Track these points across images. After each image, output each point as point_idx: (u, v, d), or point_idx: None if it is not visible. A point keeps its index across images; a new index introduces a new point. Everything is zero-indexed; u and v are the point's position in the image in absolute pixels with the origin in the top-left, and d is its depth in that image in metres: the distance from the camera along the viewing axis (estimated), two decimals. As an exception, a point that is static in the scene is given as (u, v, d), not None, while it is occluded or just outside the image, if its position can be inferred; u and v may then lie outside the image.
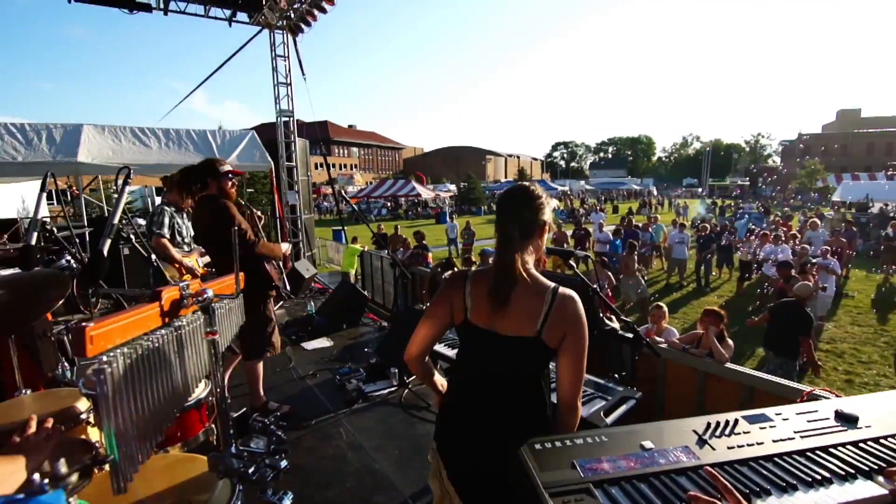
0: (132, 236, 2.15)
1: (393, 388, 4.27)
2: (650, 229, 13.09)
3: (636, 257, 9.15)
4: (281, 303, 7.38)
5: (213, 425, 2.31)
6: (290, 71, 9.13)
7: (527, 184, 1.57)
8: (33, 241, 2.48)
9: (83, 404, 1.88)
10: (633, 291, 8.69)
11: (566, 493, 1.05)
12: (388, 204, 37.28)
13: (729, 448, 1.21)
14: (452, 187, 44.99)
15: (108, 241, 1.65)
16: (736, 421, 1.32)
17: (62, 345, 3.75)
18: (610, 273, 8.09)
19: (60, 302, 2.24)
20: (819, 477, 1.11)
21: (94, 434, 1.86)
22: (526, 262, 1.45)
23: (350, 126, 75.43)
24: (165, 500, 1.40)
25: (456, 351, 2.94)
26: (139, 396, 1.14)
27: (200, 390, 2.24)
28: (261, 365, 3.64)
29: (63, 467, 0.92)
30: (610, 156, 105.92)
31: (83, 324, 1.06)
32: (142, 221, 8.27)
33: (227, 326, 1.62)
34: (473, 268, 6.61)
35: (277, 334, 3.62)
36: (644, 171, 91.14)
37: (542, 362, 1.52)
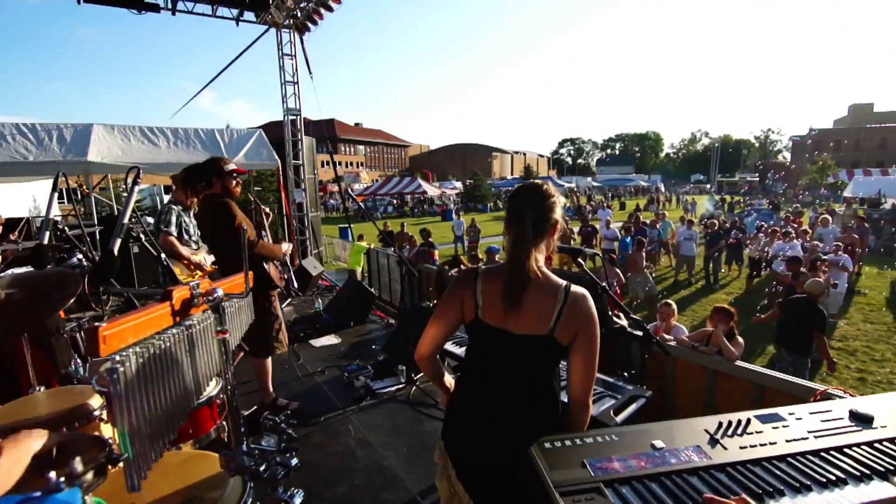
0: (142, 235, 2.17)
1: (401, 386, 4.28)
2: (658, 226, 13.01)
3: (644, 254, 9.10)
4: (289, 300, 7.42)
5: (224, 422, 2.33)
6: (296, 69, 9.17)
7: (539, 182, 1.56)
8: (46, 241, 2.51)
9: (96, 401, 1.90)
10: (641, 288, 8.65)
11: (577, 493, 1.05)
12: (395, 201, 37.33)
13: (741, 448, 1.21)
14: (458, 184, 44.95)
15: (119, 241, 1.66)
16: (748, 420, 1.31)
17: (75, 342, 3.80)
18: (618, 270, 8.05)
19: (72, 300, 2.27)
20: (833, 478, 1.10)
21: (106, 431, 1.88)
22: (538, 260, 1.45)
23: (356, 124, 75.50)
24: (178, 497, 1.41)
25: (464, 349, 2.94)
26: (152, 395, 1.15)
27: (211, 388, 2.26)
28: (269, 362, 3.66)
29: (78, 466, 0.93)
30: (617, 152, 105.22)
31: (96, 324, 1.07)
32: (151, 220, 8.35)
33: (236, 325, 1.64)
34: (481, 265, 6.59)
35: (285, 331, 3.64)
36: (652, 167, 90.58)
37: (554, 360, 1.52)
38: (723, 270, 11.71)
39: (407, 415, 3.85)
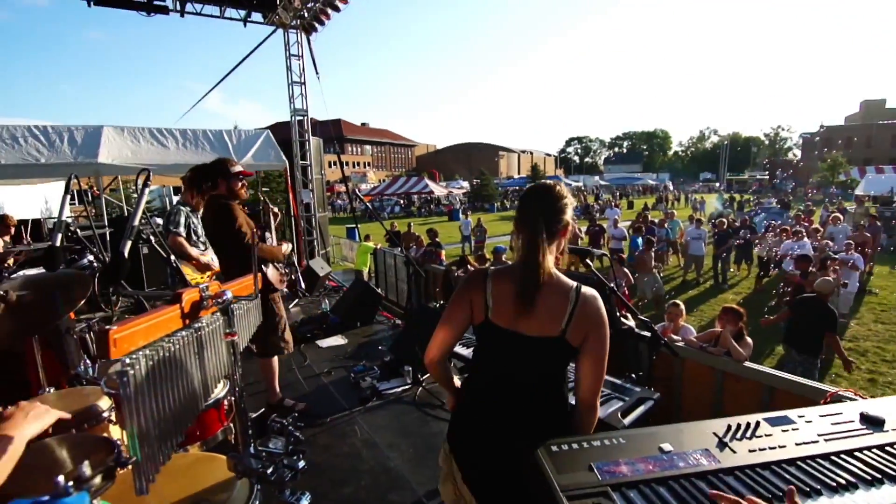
0: (151, 237, 2.19)
1: (407, 387, 4.29)
2: (666, 225, 12.92)
3: (653, 254, 9.05)
4: (296, 301, 7.46)
5: (231, 424, 2.35)
6: (303, 70, 9.20)
7: (551, 183, 1.55)
8: (58, 243, 2.54)
9: (105, 403, 1.92)
10: (649, 288, 8.60)
11: (584, 497, 1.04)
12: (401, 201, 37.39)
13: (750, 451, 1.19)
14: (465, 184, 44.93)
15: (129, 243, 1.68)
16: (757, 423, 1.30)
17: (84, 342, 3.84)
18: (627, 271, 7.99)
19: (83, 301, 2.29)
20: (844, 482, 1.09)
21: (115, 432, 1.90)
22: (550, 261, 1.45)
23: (363, 124, 75.72)
24: (185, 500, 1.42)
25: (471, 350, 2.94)
26: (161, 397, 1.16)
27: (219, 390, 2.27)
28: (275, 362, 3.68)
29: (87, 469, 0.94)
30: (625, 150, 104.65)
31: (107, 327, 1.08)
32: (160, 221, 8.41)
33: (244, 327, 1.65)
34: (487, 265, 6.58)
35: (289, 332, 3.65)
36: (660, 165, 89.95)
37: (564, 362, 1.51)
38: (732, 270, 11.61)
39: (413, 416, 3.86)
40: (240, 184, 3.32)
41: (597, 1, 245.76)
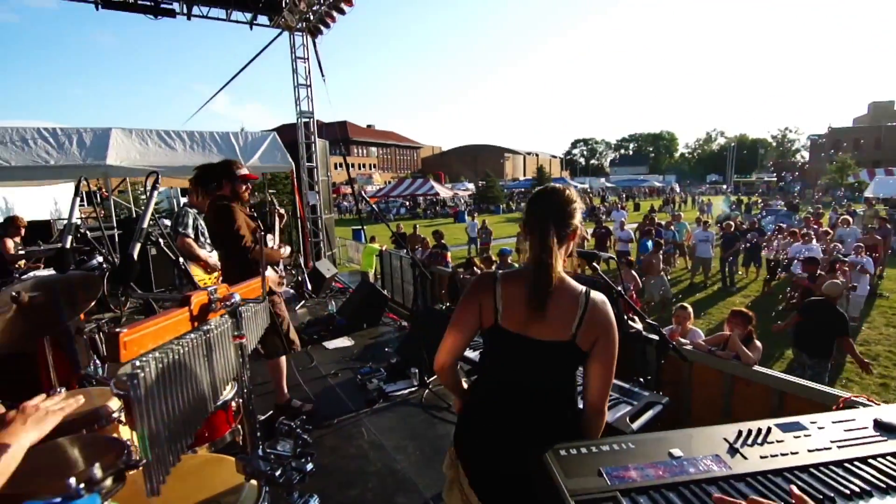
0: (160, 239, 2.20)
1: (413, 388, 4.29)
2: (672, 227, 12.86)
3: (662, 256, 9.00)
4: (302, 302, 7.49)
5: (239, 426, 2.36)
6: (309, 72, 9.26)
7: (561, 187, 1.54)
8: (68, 245, 2.56)
9: (115, 403, 1.93)
10: (657, 291, 8.56)
11: (593, 502, 1.04)
12: (407, 203, 37.45)
13: (762, 457, 1.18)
14: (471, 186, 44.93)
15: (138, 245, 1.69)
16: (769, 429, 1.28)
17: (94, 343, 3.88)
18: (635, 274, 7.94)
19: (93, 303, 2.32)
20: (857, 489, 1.07)
21: (124, 433, 1.91)
22: (560, 266, 1.45)
23: (369, 126, 75.92)
24: (194, 501, 1.43)
25: (477, 353, 2.93)
26: (170, 399, 1.17)
27: (227, 391, 2.28)
28: (283, 362, 3.69)
29: (98, 472, 0.95)
30: (631, 152, 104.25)
31: (117, 330, 1.09)
32: (168, 222, 8.48)
33: (253, 329, 1.65)
34: (494, 267, 6.55)
35: (294, 331, 3.66)
36: (666, 167, 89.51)
37: (574, 366, 1.51)
38: (739, 273, 11.53)
39: (420, 418, 3.85)
40: (244, 186, 3.35)
41: (601, 1, 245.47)
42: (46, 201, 10.22)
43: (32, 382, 2.51)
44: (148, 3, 7.57)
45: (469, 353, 3.12)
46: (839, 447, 1.21)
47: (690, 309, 4.66)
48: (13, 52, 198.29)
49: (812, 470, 1.14)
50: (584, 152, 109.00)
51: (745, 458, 1.18)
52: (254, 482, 1.57)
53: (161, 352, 1.14)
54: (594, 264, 2.10)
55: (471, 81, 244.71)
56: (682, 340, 4.13)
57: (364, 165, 67.74)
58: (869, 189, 23.76)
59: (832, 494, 1.06)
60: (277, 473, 1.54)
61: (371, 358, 5.12)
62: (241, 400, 1.68)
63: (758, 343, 3.75)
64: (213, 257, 4.11)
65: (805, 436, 1.26)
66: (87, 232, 3.43)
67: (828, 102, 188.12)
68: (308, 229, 9.64)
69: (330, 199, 10.54)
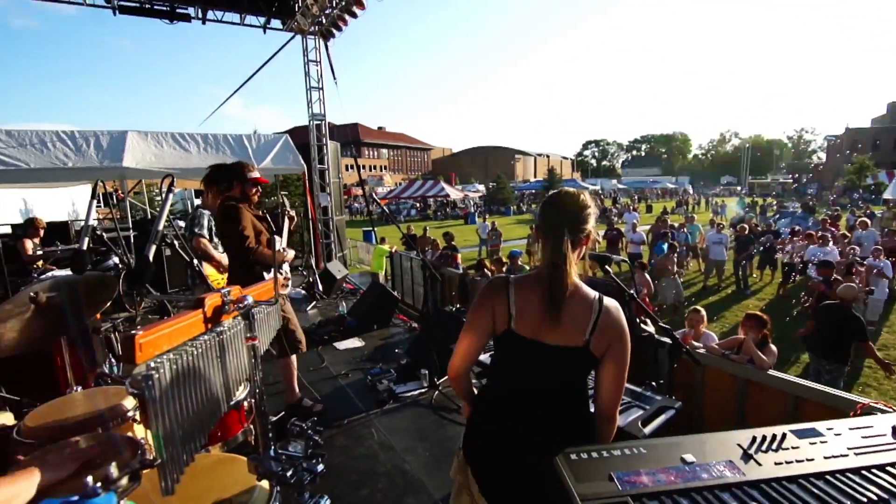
0: (175, 241, 2.23)
1: (423, 390, 4.29)
2: (685, 229, 12.72)
3: (676, 258, 8.91)
4: (313, 303, 7.54)
5: (251, 426, 2.38)
6: (321, 75, 9.33)
7: (574, 191, 1.52)
8: (85, 246, 2.61)
9: (130, 402, 1.96)
10: (669, 293, 8.48)
11: (604, 507, 1.03)
12: (417, 204, 37.52)
13: (776, 464, 1.16)
14: (481, 187, 44.89)
15: (154, 247, 1.72)
16: (784, 435, 1.26)
17: (109, 342, 3.94)
18: (648, 277, 7.87)
19: (108, 303, 2.36)
20: (875, 497, 1.05)
21: (139, 431, 1.94)
22: (575, 271, 1.44)
23: (379, 128, 76.27)
24: (207, 500, 1.45)
25: (488, 355, 2.93)
26: (184, 400, 1.19)
27: (240, 392, 2.31)
28: (293, 362, 3.72)
29: (114, 471, 0.97)
30: (643, 154, 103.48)
31: (133, 332, 1.11)
32: (182, 223, 8.61)
33: (265, 331, 1.67)
34: (504, 269, 6.51)
35: (300, 331, 3.69)
36: (679, 169, 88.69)
37: (587, 371, 1.50)
38: (754, 276, 11.37)
39: (430, 419, 3.86)
40: (254, 189, 3.39)
41: (616, 1, 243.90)
42: (64, 202, 10.42)
43: (50, 381, 2.56)
44: (164, 9, 7.70)
45: (480, 356, 3.11)
46: (856, 454, 1.19)
47: (704, 312, 4.61)
48: (34, 56, 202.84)
49: (828, 477, 1.12)
50: (596, 153, 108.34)
51: (760, 464, 1.16)
52: (265, 483, 1.58)
53: (175, 353, 1.16)
54: (606, 267, 2.09)
55: (481, 82, 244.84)
56: (696, 344, 4.09)
57: (375, 167, 68.03)
58: (888, 191, 23.32)
59: (848, 502, 1.04)
60: (289, 474, 1.56)
61: (381, 359, 5.13)
62: (253, 400, 1.70)
63: (773, 347, 3.70)
64: (226, 258, 4.16)
65: (821, 442, 1.24)
66: (104, 233, 3.49)
67: (845, 102, 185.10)
68: (319, 230, 9.71)
69: (341, 201, 10.61)
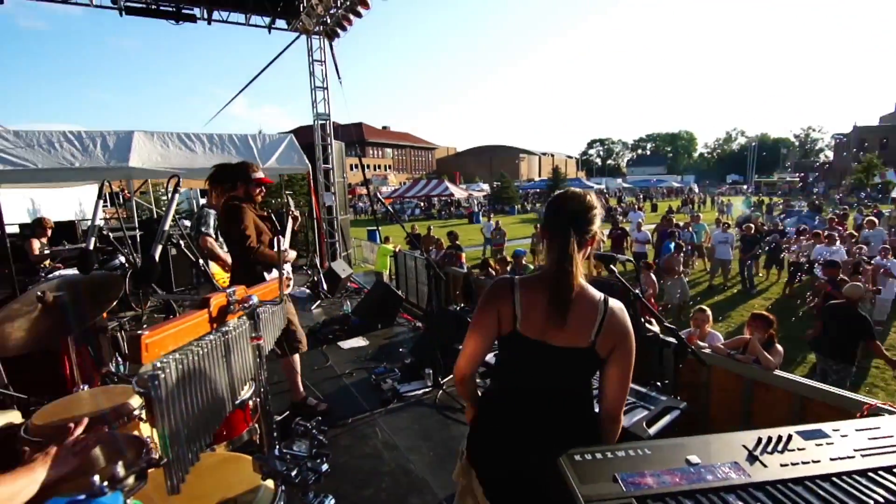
0: (180, 241, 2.25)
1: (428, 389, 4.30)
2: (690, 228, 12.65)
3: (682, 258, 8.86)
4: (318, 302, 7.56)
5: (256, 425, 2.39)
6: (326, 75, 9.34)
7: (580, 191, 1.52)
8: (91, 247, 2.63)
9: (136, 401, 1.97)
10: (674, 292, 8.45)
11: (608, 508, 1.02)
12: (422, 204, 37.52)
13: (782, 465, 1.15)
14: (485, 186, 44.84)
15: (160, 247, 1.73)
16: (789, 436, 1.25)
17: (115, 340, 3.97)
18: (654, 277, 7.83)
19: (115, 302, 2.38)
20: (882, 499, 1.04)
21: (145, 430, 1.95)
22: (580, 272, 1.44)
23: (384, 127, 76.38)
24: (212, 499, 1.46)
25: (491, 356, 2.93)
26: (190, 399, 1.19)
27: (245, 391, 2.32)
28: (297, 360, 3.73)
29: (121, 470, 0.98)
30: (648, 152, 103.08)
31: (139, 332, 1.11)
32: (188, 223, 8.65)
33: (270, 331, 1.68)
34: (508, 268, 6.48)
35: (301, 331, 3.70)
36: (685, 167, 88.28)
37: (592, 372, 1.50)
38: (760, 275, 11.29)
39: (434, 419, 3.86)
40: (257, 189, 3.41)
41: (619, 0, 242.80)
42: (71, 202, 10.51)
43: (57, 379, 2.58)
44: (170, 9, 7.74)
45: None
46: (863, 456, 1.18)
47: (709, 311, 4.58)
48: (42, 57, 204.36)
49: (834, 479, 1.12)
50: (601, 152, 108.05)
51: (765, 465, 1.15)
52: (270, 482, 1.59)
53: (181, 353, 1.17)
54: (611, 267, 2.08)
55: (486, 81, 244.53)
56: (701, 344, 4.06)
57: (379, 166, 68.10)
58: (896, 189, 23.09)
59: (855, 504, 1.03)
60: (293, 473, 1.56)
61: (385, 358, 5.14)
62: (258, 399, 1.71)
63: (779, 347, 3.67)
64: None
65: (827, 444, 1.23)
66: (110, 233, 3.51)
67: (853, 100, 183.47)
68: (324, 230, 9.74)
69: (346, 200, 10.63)
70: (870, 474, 1.13)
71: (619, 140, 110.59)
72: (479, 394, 1.69)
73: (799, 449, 1.21)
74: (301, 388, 3.82)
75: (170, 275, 7.59)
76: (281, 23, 9.03)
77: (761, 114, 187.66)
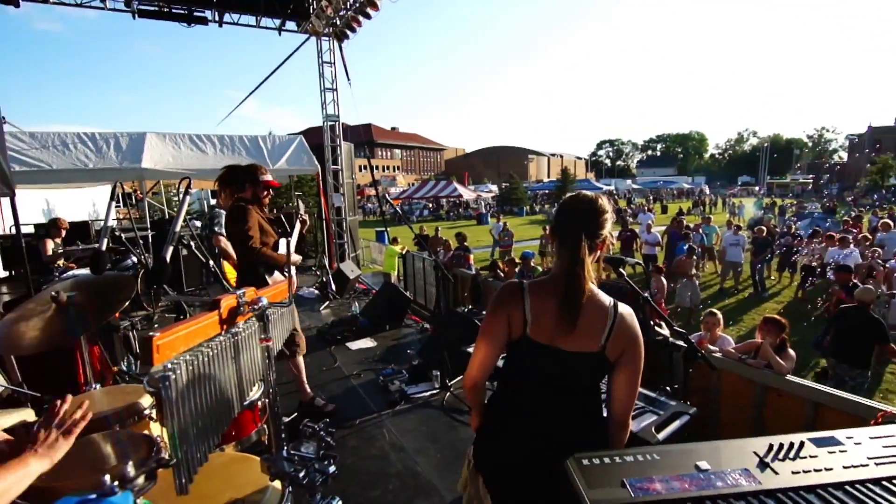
0: (191, 242, 2.27)
1: (435, 391, 4.30)
2: (700, 230, 12.53)
3: (694, 260, 8.79)
4: (326, 303, 7.59)
5: (265, 425, 2.41)
6: (335, 76, 9.39)
7: (592, 195, 1.50)
8: (104, 247, 2.66)
9: (147, 400, 2.00)
10: (685, 295, 8.38)
11: (615, 514, 1.02)
12: (430, 205, 37.57)
13: (794, 473, 1.14)
14: (494, 188, 44.80)
15: (171, 249, 1.75)
16: (801, 443, 1.24)
17: (127, 340, 4.02)
18: (664, 280, 7.77)
19: (127, 302, 2.41)
20: (896, 509, 1.03)
21: (155, 429, 1.98)
22: (591, 276, 1.43)
23: (393, 128, 76.56)
24: (220, 499, 1.47)
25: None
26: (200, 400, 1.21)
27: (254, 392, 2.34)
28: (300, 361, 3.75)
29: (131, 470, 0.99)
30: (658, 153, 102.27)
31: (151, 334, 1.13)
32: (198, 223, 8.74)
33: (279, 332, 1.69)
34: (517, 270, 6.42)
35: (302, 335, 3.71)
36: (695, 168, 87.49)
37: (601, 377, 1.50)
38: (772, 278, 11.15)
39: (441, 421, 3.86)
40: (265, 192, 3.44)
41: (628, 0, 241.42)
42: (85, 202, 10.66)
43: (70, 378, 2.62)
44: (182, 12, 7.82)
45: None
46: (877, 464, 1.16)
47: (720, 315, 4.53)
48: (56, 59, 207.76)
49: (847, 487, 1.10)
50: (610, 153, 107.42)
51: (776, 473, 1.14)
52: (278, 483, 1.60)
53: (192, 354, 1.18)
54: (620, 270, 2.07)
55: (495, 82, 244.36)
56: (711, 348, 4.02)
57: (388, 167, 68.29)
58: (913, 191, 22.71)
59: (868, 514, 1.02)
60: (301, 475, 1.57)
61: (393, 359, 5.15)
62: (266, 400, 1.72)
63: (791, 352, 3.62)
64: None
65: (840, 451, 1.21)
66: (122, 234, 3.56)
67: (868, 100, 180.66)
68: (333, 231, 9.78)
69: (354, 201, 10.67)
70: (884, 483, 1.11)
71: (629, 141, 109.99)
72: (486, 399, 1.67)
73: (811, 456, 1.20)
74: (308, 389, 3.84)
75: (180, 275, 7.67)
76: (291, 25, 9.10)
77: (774, 114, 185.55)
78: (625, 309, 1.44)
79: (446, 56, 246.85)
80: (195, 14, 7.95)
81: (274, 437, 1.64)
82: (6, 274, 6.35)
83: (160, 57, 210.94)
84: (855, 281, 6.48)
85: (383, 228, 15.50)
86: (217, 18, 8.30)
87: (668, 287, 8.23)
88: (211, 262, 2.13)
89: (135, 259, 4.94)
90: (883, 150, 49.60)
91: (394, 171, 67.05)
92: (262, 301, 1.51)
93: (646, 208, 25.91)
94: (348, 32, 8.94)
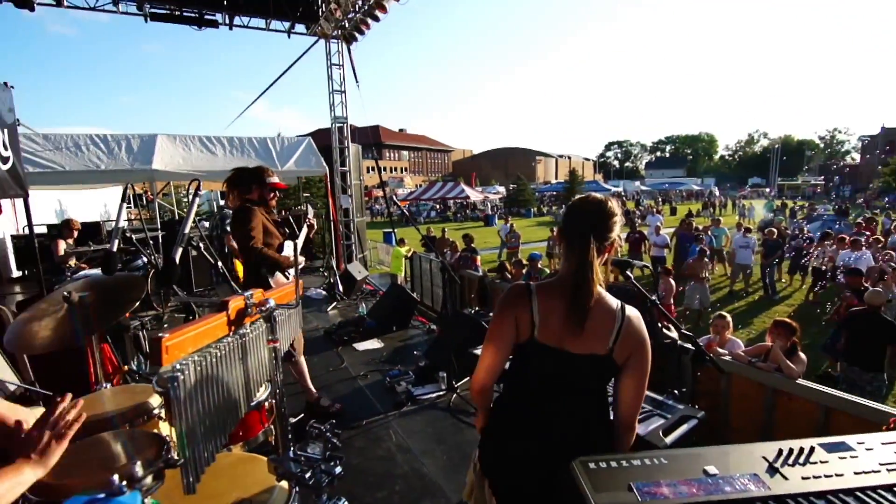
0: (200, 244, 2.29)
1: (442, 393, 4.30)
2: (710, 232, 12.42)
3: (704, 262, 8.72)
4: (334, 304, 7.63)
5: (271, 426, 2.42)
6: (344, 79, 9.44)
7: (601, 197, 1.50)
8: (115, 248, 2.69)
9: (156, 400, 2.02)
10: (694, 298, 8.32)
11: (622, 518, 1.01)
12: (437, 206, 37.59)
13: (804, 478, 1.13)
14: (501, 189, 44.74)
15: (180, 250, 1.76)
16: (812, 448, 1.22)
17: (137, 340, 4.07)
18: (673, 282, 7.71)
19: (137, 302, 2.44)
20: (908, 516, 1.01)
21: (164, 428, 2.00)
22: (599, 279, 1.42)
23: (401, 129, 76.72)
24: (227, 499, 1.48)
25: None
26: (207, 400, 1.22)
27: (261, 393, 2.35)
28: (302, 362, 3.76)
29: (139, 469, 1.00)
30: (667, 155, 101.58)
31: (160, 335, 1.14)
32: (207, 224, 8.82)
33: (286, 333, 1.70)
34: (524, 271, 6.42)
35: (300, 338, 3.72)
36: (705, 170, 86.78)
37: (608, 379, 1.50)
38: (782, 280, 11.03)
39: (447, 422, 3.86)
40: (271, 194, 3.47)
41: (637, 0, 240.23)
42: (97, 203, 10.79)
43: (81, 377, 2.65)
44: (192, 15, 7.89)
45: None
46: (889, 471, 1.15)
47: (729, 318, 4.49)
48: (70, 62, 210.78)
49: (858, 494, 1.08)
50: (619, 155, 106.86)
51: (786, 478, 1.12)
52: (285, 483, 1.61)
53: (200, 355, 1.19)
54: (627, 272, 2.05)
55: (502, 83, 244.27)
56: (721, 351, 3.98)
57: (396, 169, 68.39)
58: (927, 193, 22.38)
59: (880, 521, 1.00)
60: (307, 475, 1.58)
61: (400, 360, 5.16)
62: (273, 401, 1.73)
63: (802, 355, 3.58)
64: None
65: (851, 457, 1.20)
66: (132, 235, 3.60)
67: (881, 101, 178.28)
68: (340, 232, 9.82)
69: (362, 203, 10.71)
70: (895, 490, 1.09)
71: (638, 142, 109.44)
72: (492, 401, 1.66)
73: (821, 462, 1.18)
74: (312, 389, 3.86)
75: (190, 275, 7.73)
76: (300, 27, 9.15)
77: (785, 115, 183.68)
78: (632, 312, 1.44)
79: (454, 57, 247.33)
80: (206, 17, 8.01)
81: (281, 438, 1.65)
82: (19, 274, 6.44)
83: (171, 59, 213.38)
84: (866, 284, 6.38)
85: (391, 230, 15.55)
86: (227, 21, 8.37)
87: (677, 289, 8.17)
88: (219, 263, 2.14)
89: (145, 259, 4.99)
90: (891, 151, 48.91)
91: (401, 172, 67.17)
92: (270, 303, 1.52)
93: (654, 210, 25.74)
94: (357, 35, 8.98)
